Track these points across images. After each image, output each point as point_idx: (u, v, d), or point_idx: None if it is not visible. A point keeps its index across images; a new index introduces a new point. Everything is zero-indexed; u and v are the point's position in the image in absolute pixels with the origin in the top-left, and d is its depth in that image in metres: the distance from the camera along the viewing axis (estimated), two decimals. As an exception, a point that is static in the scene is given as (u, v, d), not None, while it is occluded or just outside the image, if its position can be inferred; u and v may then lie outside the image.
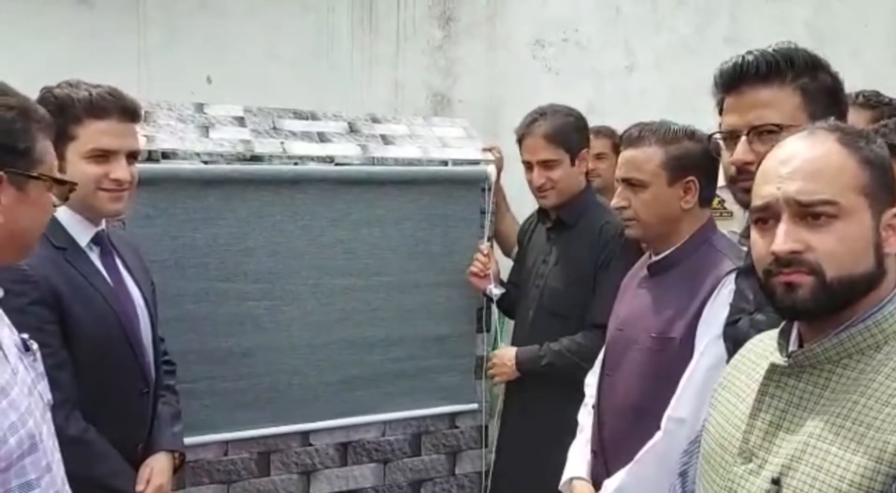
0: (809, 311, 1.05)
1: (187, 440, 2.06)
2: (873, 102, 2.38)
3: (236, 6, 3.40)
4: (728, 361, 1.34)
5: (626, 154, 1.95)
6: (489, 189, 2.68)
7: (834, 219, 1.03)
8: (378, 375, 2.61)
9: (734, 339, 1.44)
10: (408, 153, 2.62)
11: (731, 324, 1.52)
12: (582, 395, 2.14)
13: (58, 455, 1.27)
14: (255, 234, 2.40)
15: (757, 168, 1.15)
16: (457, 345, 2.71)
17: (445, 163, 2.65)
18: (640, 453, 1.81)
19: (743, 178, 1.38)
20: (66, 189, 1.29)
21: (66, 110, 1.69)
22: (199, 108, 2.54)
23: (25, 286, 1.60)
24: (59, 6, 3.14)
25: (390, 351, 2.61)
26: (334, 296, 2.52)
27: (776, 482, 1.04)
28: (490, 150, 2.75)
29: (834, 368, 1.05)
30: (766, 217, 1.08)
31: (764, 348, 1.19)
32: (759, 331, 1.29)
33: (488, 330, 2.75)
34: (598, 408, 2.01)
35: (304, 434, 2.54)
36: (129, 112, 1.79)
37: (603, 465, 1.93)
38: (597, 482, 1.93)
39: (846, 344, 1.04)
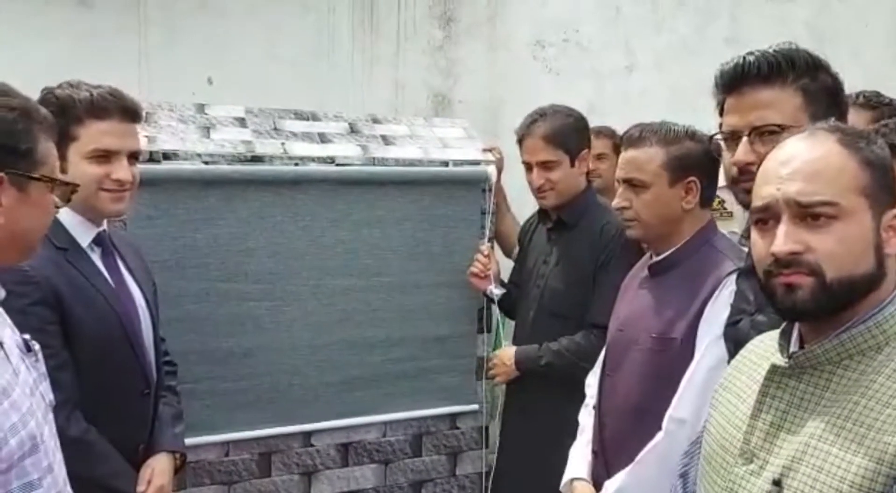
0: (809, 312, 1.05)
1: (188, 441, 2.06)
2: (874, 102, 2.39)
3: (236, 6, 3.40)
4: (729, 362, 1.34)
5: (627, 155, 1.95)
6: (490, 190, 2.68)
7: (834, 220, 1.03)
8: (379, 375, 2.61)
9: (735, 340, 1.44)
10: (408, 154, 2.62)
11: (731, 325, 1.52)
12: (582, 395, 2.15)
13: (59, 456, 1.27)
14: (255, 234, 2.40)
15: (758, 169, 1.15)
16: (457, 346, 2.71)
17: (446, 163, 2.65)
18: (641, 453, 1.80)
19: (744, 178, 1.38)
20: (67, 190, 1.29)
21: (68, 111, 1.69)
22: (200, 108, 2.54)
23: (27, 287, 1.60)
24: (59, 6, 3.14)
25: (391, 352, 2.61)
26: (335, 296, 2.52)
27: (777, 483, 1.04)
28: (490, 150, 2.75)
29: (835, 369, 1.05)
30: (766, 218, 1.09)
31: (765, 348, 1.19)
32: (760, 332, 1.29)
33: (489, 331, 2.75)
34: (599, 409, 2.01)
35: (305, 435, 2.54)
36: (130, 112, 1.79)
37: (604, 466, 1.93)
38: (597, 482, 1.92)
39: (847, 345, 1.04)
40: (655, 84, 4.04)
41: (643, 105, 3.70)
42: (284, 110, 2.65)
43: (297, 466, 2.54)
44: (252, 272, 2.41)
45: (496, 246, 2.83)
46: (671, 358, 1.82)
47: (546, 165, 2.45)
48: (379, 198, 2.54)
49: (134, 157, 1.82)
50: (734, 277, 1.65)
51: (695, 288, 1.83)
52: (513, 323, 2.70)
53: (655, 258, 1.97)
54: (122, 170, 1.77)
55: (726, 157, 1.49)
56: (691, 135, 1.92)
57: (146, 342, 1.90)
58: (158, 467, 1.87)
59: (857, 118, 2.16)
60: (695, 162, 1.90)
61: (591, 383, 2.12)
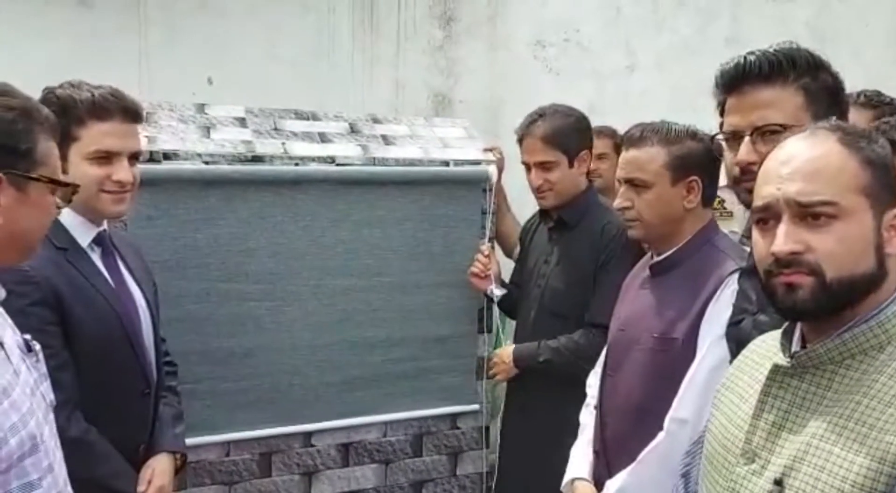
0: (809, 311, 1.05)
1: (189, 441, 2.06)
2: (874, 101, 2.39)
3: (236, 6, 3.40)
4: (731, 362, 1.34)
5: (629, 155, 1.95)
6: (490, 190, 2.68)
7: (834, 219, 1.03)
8: (379, 375, 2.61)
9: (737, 339, 1.44)
10: (409, 154, 2.62)
11: (734, 324, 1.52)
12: (582, 395, 2.14)
13: (60, 456, 1.27)
14: (256, 234, 2.40)
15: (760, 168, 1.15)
16: (458, 346, 2.71)
17: (446, 163, 2.64)
18: (643, 453, 1.80)
19: (747, 178, 1.37)
20: (69, 191, 1.29)
21: (69, 111, 1.69)
22: (201, 108, 2.54)
23: (27, 287, 1.60)
24: (59, 6, 3.14)
25: (391, 352, 2.61)
26: (335, 296, 2.51)
27: (779, 482, 1.04)
28: (491, 150, 2.75)
29: (837, 368, 1.05)
30: (766, 217, 1.09)
31: (767, 348, 1.19)
32: (762, 332, 1.28)
33: (489, 331, 2.75)
34: (601, 409, 2.01)
35: (306, 435, 2.54)
36: (131, 113, 1.79)
37: (605, 465, 1.93)
38: (599, 482, 1.92)
39: (849, 345, 1.04)
40: (656, 84, 4.04)
41: (644, 105, 3.70)
42: (285, 110, 2.65)
43: (297, 466, 2.54)
44: (252, 272, 2.40)
45: (496, 246, 2.83)
46: (672, 358, 1.82)
47: (544, 166, 2.45)
48: (379, 198, 2.54)
49: (135, 157, 1.82)
50: (736, 276, 1.64)
51: (696, 288, 1.83)
52: (513, 323, 2.70)
53: (657, 258, 1.97)
54: (122, 171, 1.77)
55: (728, 157, 1.49)
56: (692, 134, 1.92)
57: (146, 342, 1.89)
58: (159, 467, 1.87)
59: (857, 117, 2.16)
60: (696, 161, 1.90)
61: (593, 383, 2.12)
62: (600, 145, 3.05)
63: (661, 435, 1.79)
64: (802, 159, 1.07)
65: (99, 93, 1.74)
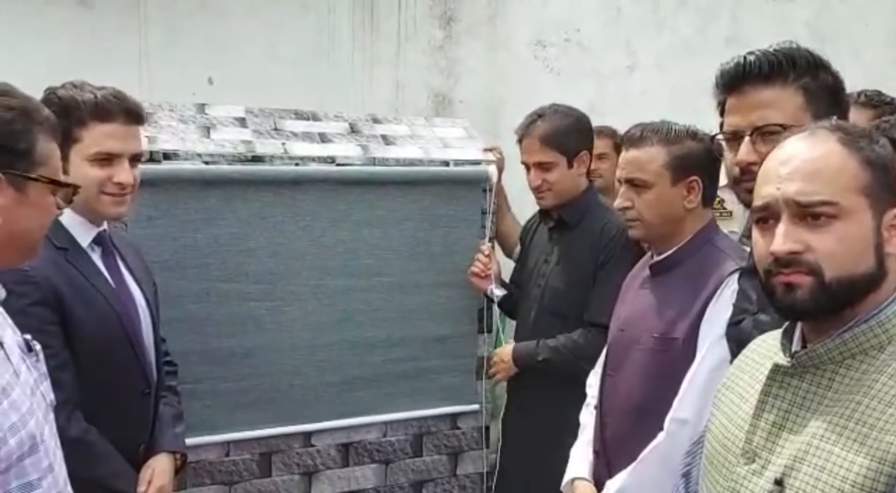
0: (809, 311, 1.06)
1: (189, 441, 2.06)
2: (875, 101, 2.39)
3: (236, 6, 3.40)
4: (731, 361, 1.34)
5: (629, 155, 1.95)
6: (490, 190, 2.67)
7: (833, 219, 1.03)
8: (379, 375, 2.61)
9: (738, 339, 1.44)
10: (409, 154, 2.62)
11: (734, 324, 1.52)
12: (582, 394, 2.14)
13: (60, 456, 1.27)
14: (256, 234, 2.40)
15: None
16: (458, 346, 2.70)
17: (446, 163, 2.64)
18: (643, 453, 1.80)
19: (747, 178, 1.37)
20: (69, 191, 1.29)
21: (71, 113, 1.69)
22: (201, 108, 2.54)
23: (27, 287, 1.60)
24: (59, 6, 3.14)
25: (391, 352, 2.61)
26: (335, 297, 2.51)
27: (779, 482, 1.04)
28: (491, 150, 2.75)
29: (837, 368, 1.05)
30: (766, 217, 1.09)
31: (767, 348, 1.19)
32: (763, 331, 1.28)
33: (489, 331, 2.75)
34: (601, 408, 2.01)
35: (306, 435, 2.54)
36: (133, 115, 1.79)
37: (605, 465, 1.93)
38: (599, 482, 1.92)
39: (849, 344, 1.04)
40: (656, 84, 4.04)
41: (644, 105, 3.69)
42: (285, 110, 2.65)
43: (297, 466, 2.54)
44: (253, 272, 2.40)
45: (497, 246, 2.83)
46: (673, 358, 1.82)
47: (543, 167, 2.45)
48: (379, 198, 2.54)
49: (135, 159, 1.82)
50: (736, 276, 1.64)
51: (696, 288, 1.83)
52: (514, 323, 2.70)
53: (657, 258, 1.97)
54: (123, 173, 1.77)
55: (728, 157, 1.49)
56: (692, 134, 1.92)
57: (146, 342, 1.89)
58: (159, 467, 1.87)
59: (858, 117, 2.16)
60: (696, 161, 1.90)
61: (593, 382, 2.12)
62: (600, 145, 3.05)
63: (661, 435, 1.79)
64: (802, 159, 1.07)
65: (101, 94, 1.74)
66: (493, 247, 2.72)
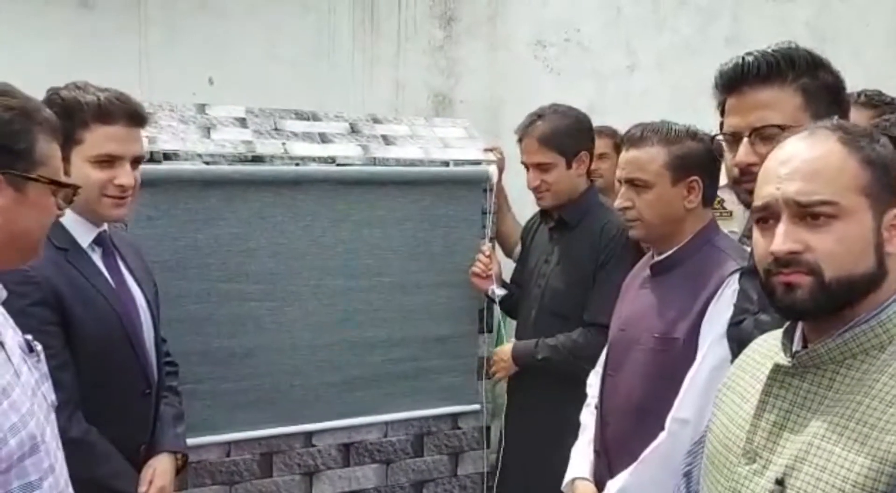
0: (808, 311, 1.06)
1: (189, 441, 2.06)
2: (875, 101, 2.39)
3: (236, 6, 3.40)
4: (732, 361, 1.34)
5: (629, 155, 1.95)
6: (490, 190, 2.67)
7: (833, 219, 1.03)
8: (380, 375, 2.61)
9: (738, 339, 1.44)
10: (409, 154, 2.62)
11: (735, 324, 1.52)
12: (582, 394, 2.14)
13: (61, 457, 1.27)
14: (256, 235, 2.40)
15: (759, 169, 1.15)
16: (458, 345, 2.70)
17: (447, 163, 2.64)
18: (644, 453, 1.80)
19: (746, 180, 1.37)
20: (69, 192, 1.28)
21: (74, 114, 1.69)
22: (201, 109, 2.54)
23: (27, 287, 1.60)
24: (59, 7, 3.14)
25: (392, 352, 2.61)
26: (336, 297, 2.51)
27: (780, 482, 1.04)
28: (491, 150, 2.75)
29: (838, 368, 1.05)
30: (766, 217, 1.09)
31: (768, 348, 1.18)
32: (764, 331, 1.28)
33: (490, 331, 2.75)
34: (601, 408, 2.01)
35: (307, 435, 2.54)
36: (136, 117, 1.79)
37: (606, 466, 1.93)
38: (600, 482, 1.92)
39: (850, 344, 1.04)
40: (657, 84, 4.04)
41: (644, 105, 3.69)
42: (285, 110, 2.65)
43: (298, 466, 2.54)
44: (253, 273, 2.40)
45: (497, 246, 2.83)
46: (673, 358, 1.82)
47: (541, 167, 2.45)
48: (380, 198, 2.54)
49: (137, 161, 1.82)
50: (737, 276, 1.64)
51: (697, 288, 1.83)
52: (514, 323, 2.70)
53: (657, 258, 1.97)
54: (125, 175, 1.77)
55: (728, 157, 1.49)
56: (692, 134, 1.92)
57: (147, 343, 1.89)
58: (160, 467, 1.87)
59: (858, 117, 2.16)
60: (696, 161, 1.89)
61: (593, 382, 2.12)
62: (601, 145, 3.05)
63: (662, 435, 1.79)
64: (802, 159, 1.07)
65: (104, 96, 1.74)
66: (493, 247, 2.72)
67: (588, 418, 2.08)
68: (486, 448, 2.80)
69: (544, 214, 2.59)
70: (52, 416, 1.27)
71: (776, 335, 1.17)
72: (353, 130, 2.66)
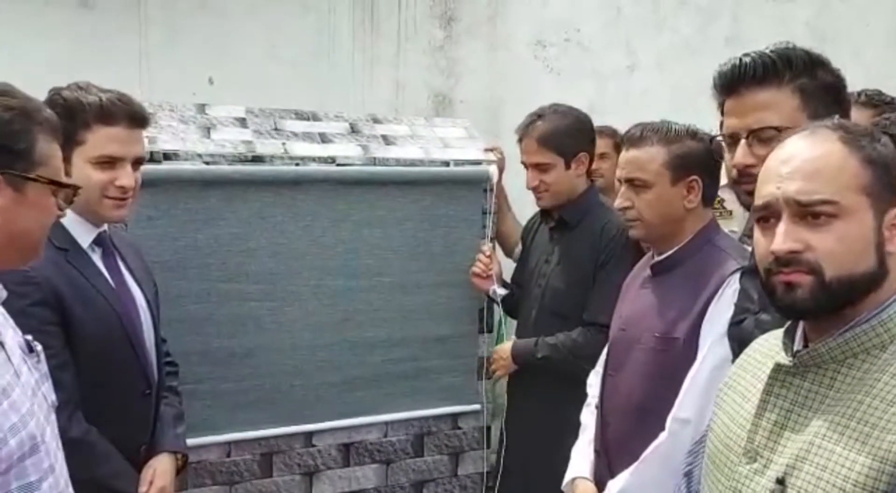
0: (809, 310, 1.06)
1: (190, 441, 2.06)
2: (875, 100, 2.39)
3: (237, 6, 3.39)
4: (733, 361, 1.33)
5: (629, 154, 1.95)
6: (491, 190, 2.67)
7: (834, 218, 1.03)
8: (380, 375, 2.61)
9: (739, 339, 1.44)
10: (409, 154, 2.62)
11: (735, 324, 1.52)
12: (582, 394, 2.14)
13: (61, 457, 1.26)
14: (256, 235, 2.40)
15: (758, 170, 1.15)
16: (459, 345, 2.70)
17: (447, 163, 2.64)
18: (645, 453, 1.80)
19: (745, 181, 1.37)
20: (70, 192, 1.28)
21: (76, 115, 1.69)
22: (201, 109, 2.54)
23: (27, 287, 1.60)
24: (59, 7, 3.14)
25: (392, 352, 2.61)
26: (336, 297, 2.51)
27: (781, 481, 1.04)
28: (492, 150, 2.75)
29: (839, 367, 1.05)
30: (767, 216, 1.09)
31: (769, 347, 1.18)
32: (765, 331, 1.28)
33: (490, 331, 2.75)
34: (602, 408, 2.01)
35: (307, 435, 2.54)
36: (137, 119, 1.79)
37: (606, 465, 1.93)
38: (600, 482, 1.92)
39: (851, 344, 1.04)
40: (657, 84, 4.03)
41: (644, 105, 3.69)
42: (285, 110, 2.65)
43: (298, 466, 2.54)
44: (253, 273, 2.40)
45: (497, 246, 2.83)
46: (674, 358, 1.82)
47: (540, 167, 2.45)
48: (380, 198, 2.54)
49: (138, 163, 1.82)
50: (737, 276, 1.64)
51: (697, 287, 1.82)
52: (514, 322, 2.70)
53: (657, 258, 1.97)
54: (126, 177, 1.77)
55: (728, 158, 1.49)
56: (692, 134, 1.92)
57: (147, 343, 1.89)
58: (160, 467, 1.87)
59: (858, 116, 2.16)
60: (696, 161, 1.89)
61: (594, 382, 2.12)
62: (601, 145, 3.04)
63: (663, 435, 1.79)
64: (802, 158, 1.07)
65: (106, 97, 1.73)
66: (493, 247, 2.72)
67: (588, 417, 2.08)
68: (486, 448, 2.80)
69: (544, 214, 2.59)
70: (53, 416, 1.27)
71: (777, 335, 1.17)
72: (353, 130, 2.66)
